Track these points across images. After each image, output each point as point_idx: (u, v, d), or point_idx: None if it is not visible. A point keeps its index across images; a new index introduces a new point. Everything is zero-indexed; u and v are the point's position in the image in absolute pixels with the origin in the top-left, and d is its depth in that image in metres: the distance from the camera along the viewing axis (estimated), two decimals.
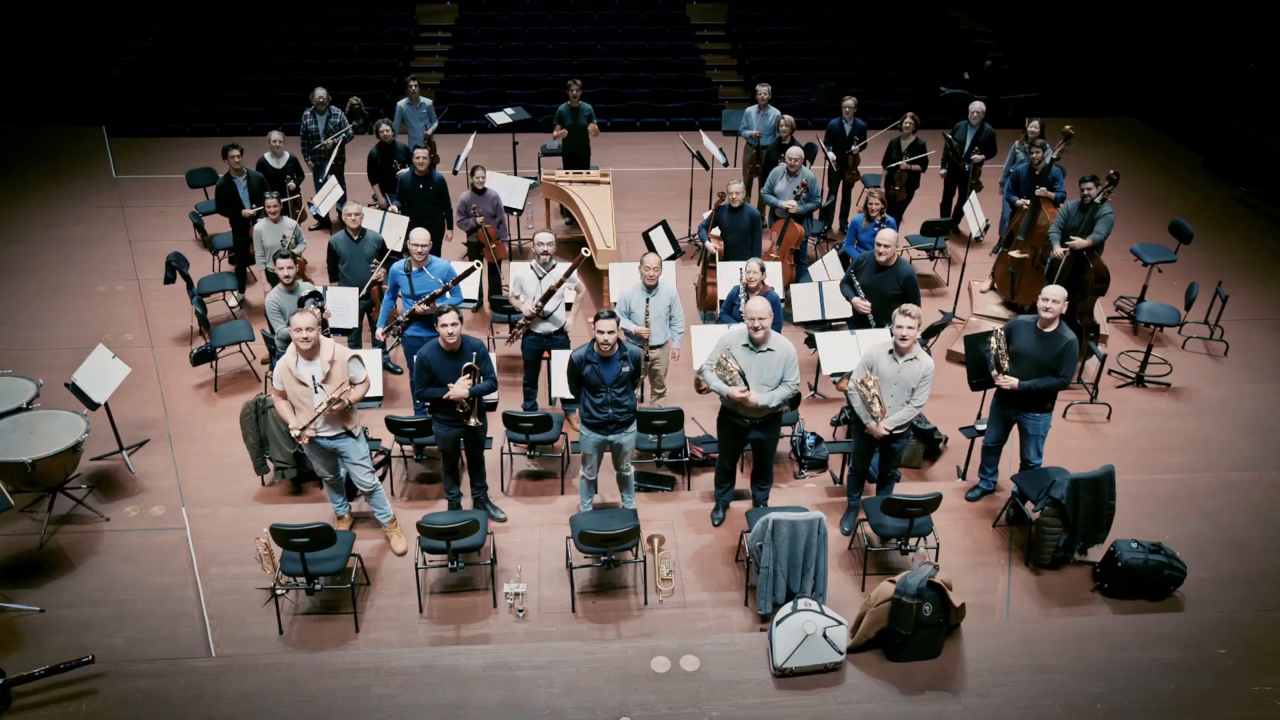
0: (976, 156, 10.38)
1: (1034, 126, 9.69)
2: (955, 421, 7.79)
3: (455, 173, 10.83)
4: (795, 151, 9.34)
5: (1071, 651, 5.55)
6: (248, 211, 9.32)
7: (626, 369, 6.08)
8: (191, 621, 5.85)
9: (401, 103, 11.34)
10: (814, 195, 9.45)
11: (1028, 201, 9.29)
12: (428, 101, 11.51)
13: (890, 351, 6.09)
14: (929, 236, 10.29)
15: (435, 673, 5.39)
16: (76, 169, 13.09)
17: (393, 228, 9.08)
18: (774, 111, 10.83)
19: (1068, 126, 8.76)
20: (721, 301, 7.87)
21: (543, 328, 7.43)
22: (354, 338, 8.17)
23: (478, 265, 7.97)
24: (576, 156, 11.30)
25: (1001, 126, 13.50)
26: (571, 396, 6.45)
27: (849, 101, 10.63)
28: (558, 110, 11.13)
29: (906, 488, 6.98)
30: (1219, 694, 5.30)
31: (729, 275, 8.21)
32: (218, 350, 8.40)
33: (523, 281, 7.42)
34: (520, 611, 5.92)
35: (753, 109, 11.02)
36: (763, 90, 10.90)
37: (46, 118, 14.80)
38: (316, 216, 10.98)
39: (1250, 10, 14.21)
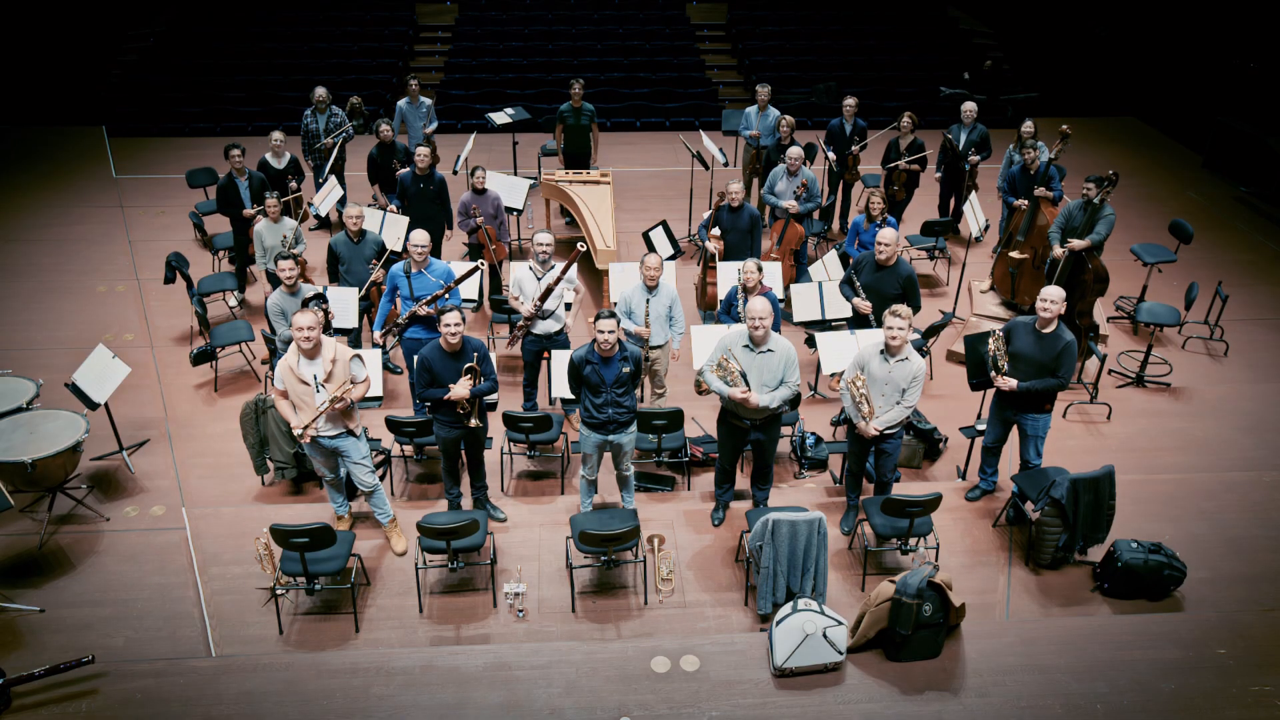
0: (973, 157, 10.37)
1: (1028, 127, 9.70)
2: (955, 421, 7.79)
3: (455, 173, 10.83)
4: (795, 151, 9.34)
5: (1071, 651, 5.55)
6: (249, 211, 9.32)
7: (627, 369, 6.08)
8: (191, 622, 5.85)
9: (401, 102, 11.34)
10: (814, 195, 9.45)
11: (1025, 202, 9.29)
12: (428, 101, 11.50)
13: (881, 352, 6.09)
14: (929, 236, 10.29)
15: (435, 673, 5.39)
16: (76, 169, 13.09)
17: (392, 228, 9.08)
18: (774, 112, 10.83)
19: (1064, 126, 8.75)
20: (721, 301, 7.87)
21: (542, 327, 7.43)
22: (354, 338, 8.17)
23: (480, 266, 7.96)
24: (577, 156, 11.30)
25: (1002, 126, 13.54)
26: (572, 396, 6.44)
27: (849, 101, 10.63)
28: (559, 110, 11.13)
29: (906, 488, 6.98)
30: (1219, 694, 5.30)
31: (729, 275, 8.22)
32: (218, 350, 8.40)
33: (521, 282, 7.42)
34: (520, 611, 5.92)
35: (752, 109, 11.02)
36: (763, 91, 10.90)
37: (46, 118, 14.80)
38: (316, 216, 10.97)
39: (1250, 10, 14.20)
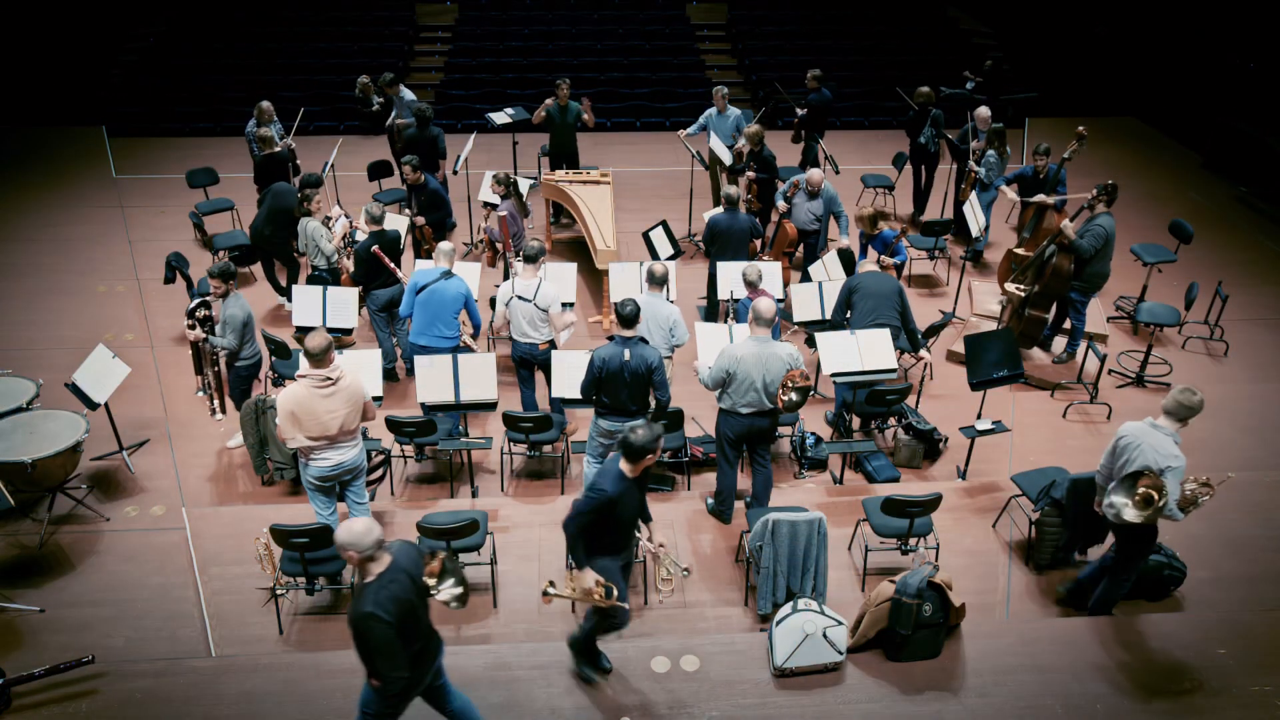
0: (974, 164, 10.23)
1: (983, 111, 10.33)
2: (955, 421, 7.78)
3: (455, 173, 10.83)
4: (815, 175, 9.24)
5: (1071, 651, 5.54)
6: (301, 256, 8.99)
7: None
8: (191, 622, 5.85)
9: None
10: (836, 208, 9.38)
11: (1014, 188, 9.58)
12: (409, 94, 11.74)
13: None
14: (929, 236, 10.29)
15: None
16: (76, 169, 13.08)
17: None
18: (734, 112, 10.84)
19: (1081, 128, 8.60)
20: (738, 304, 7.73)
21: (526, 339, 7.32)
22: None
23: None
24: (564, 155, 11.32)
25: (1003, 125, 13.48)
26: (570, 397, 6.42)
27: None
28: (547, 107, 11.14)
29: (906, 488, 6.98)
30: (1219, 694, 5.30)
31: (729, 276, 8.20)
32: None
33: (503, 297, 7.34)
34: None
35: (711, 111, 11.02)
36: (719, 93, 10.94)
37: (46, 118, 14.79)
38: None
39: (1249, 9, 14.19)
